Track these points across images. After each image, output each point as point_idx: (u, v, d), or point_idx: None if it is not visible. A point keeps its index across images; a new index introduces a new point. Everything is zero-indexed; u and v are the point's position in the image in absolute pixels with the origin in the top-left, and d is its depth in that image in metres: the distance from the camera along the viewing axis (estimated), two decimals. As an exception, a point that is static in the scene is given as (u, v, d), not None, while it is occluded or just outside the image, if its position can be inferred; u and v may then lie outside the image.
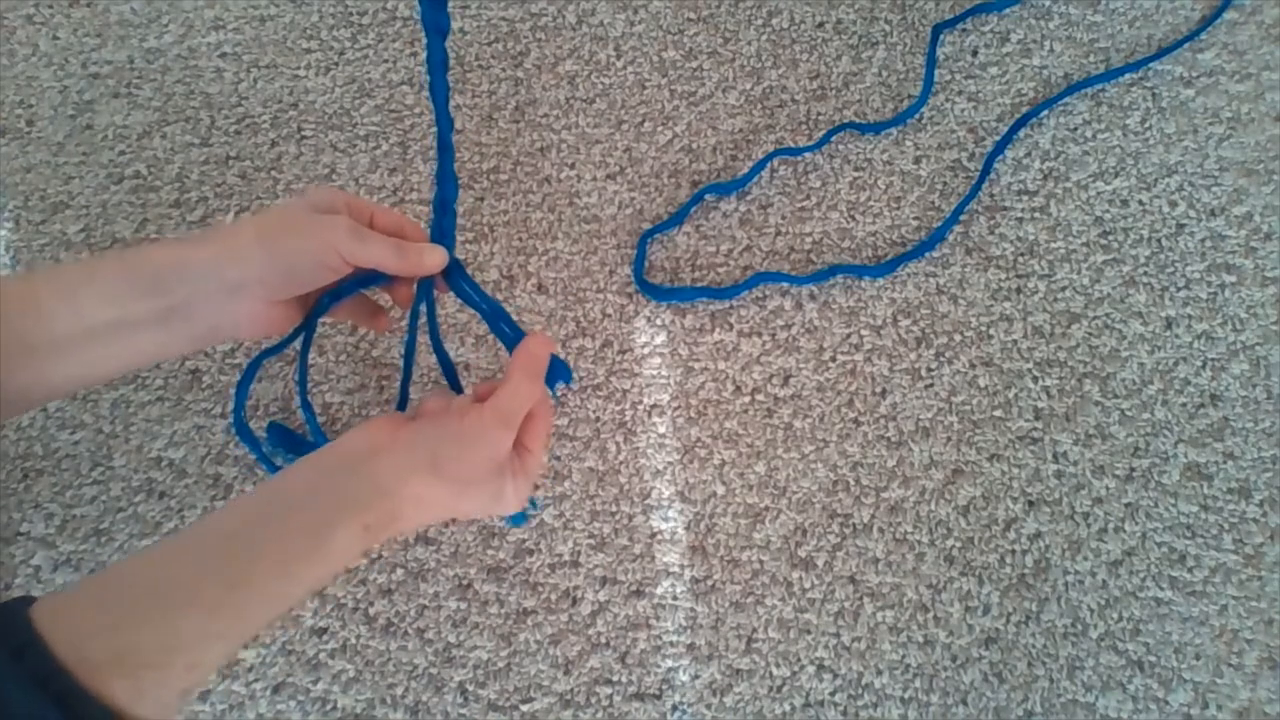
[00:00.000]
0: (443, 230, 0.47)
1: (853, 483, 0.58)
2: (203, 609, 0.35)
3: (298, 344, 0.50)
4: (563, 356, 0.61)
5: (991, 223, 0.65)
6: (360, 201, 0.47)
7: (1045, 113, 0.69)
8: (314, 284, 0.46)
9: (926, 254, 0.64)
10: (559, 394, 0.59)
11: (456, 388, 0.50)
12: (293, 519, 0.39)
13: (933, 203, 0.66)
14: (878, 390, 0.60)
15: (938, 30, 0.71)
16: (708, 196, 0.66)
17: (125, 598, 0.34)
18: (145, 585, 0.35)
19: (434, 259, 0.47)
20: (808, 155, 0.67)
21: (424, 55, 0.46)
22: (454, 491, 0.42)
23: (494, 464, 0.43)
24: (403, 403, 0.51)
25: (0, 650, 0.30)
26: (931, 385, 0.60)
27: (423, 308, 0.49)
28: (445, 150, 0.46)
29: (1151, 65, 0.70)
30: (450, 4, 0.73)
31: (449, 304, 0.62)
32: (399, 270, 0.46)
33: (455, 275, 0.49)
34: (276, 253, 0.43)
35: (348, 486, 0.40)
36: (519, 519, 0.56)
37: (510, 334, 0.51)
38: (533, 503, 0.57)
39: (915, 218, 0.66)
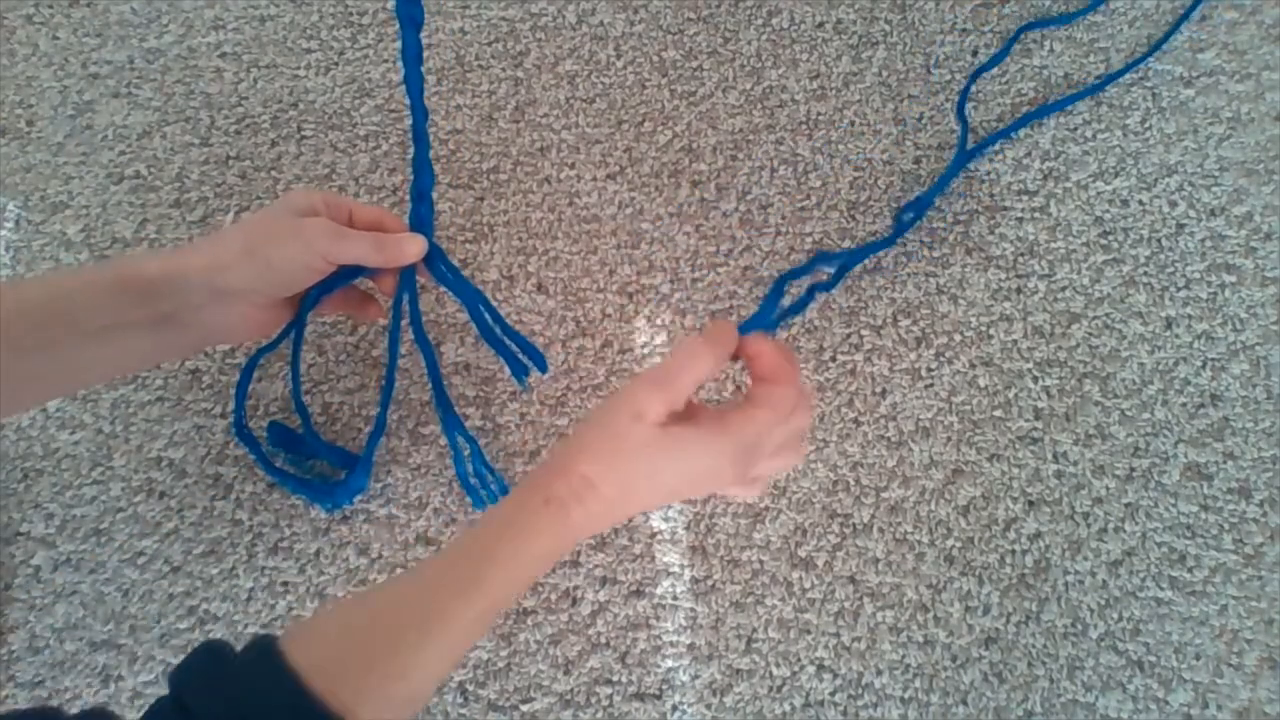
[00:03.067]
0: (421, 219, 0.49)
1: (853, 483, 0.58)
2: (442, 622, 0.37)
3: (291, 340, 0.51)
4: (563, 355, 0.61)
5: (991, 223, 0.65)
6: (338, 199, 0.49)
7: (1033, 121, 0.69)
8: (300, 285, 0.47)
9: (921, 247, 0.64)
10: (530, 383, 0.60)
11: (435, 374, 0.51)
12: (498, 514, 0.40)
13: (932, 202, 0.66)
14: (878, 390, 0.60)
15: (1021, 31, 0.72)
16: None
17: (370, 629, 0.37)
18: (387, 615, 0.38)
19: (413, 248, 0.48)
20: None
21: (425, 56, 0.47)
22: (624, 465, 0.39)
23: (634, 419, 0.38)
24: (388, 393, 0.52)
25: (262, 678, 0.34)
26: (931, 385, 0.60)
27: (406, 297, 0.50)
28: (420, 141, 0.47)
29: (1150, 65, 0.70)
30: (449, 3, 0.73)
31: (449, 304, 0.62)
32: (380, 263, 0.48)
33: (435, 261, 0.50)
34: (262, 260, 0.45)
35: (536, 473, 0.40)
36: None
37: (490, 321, 0.52)
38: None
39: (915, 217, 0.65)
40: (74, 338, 0.42)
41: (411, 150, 0.48)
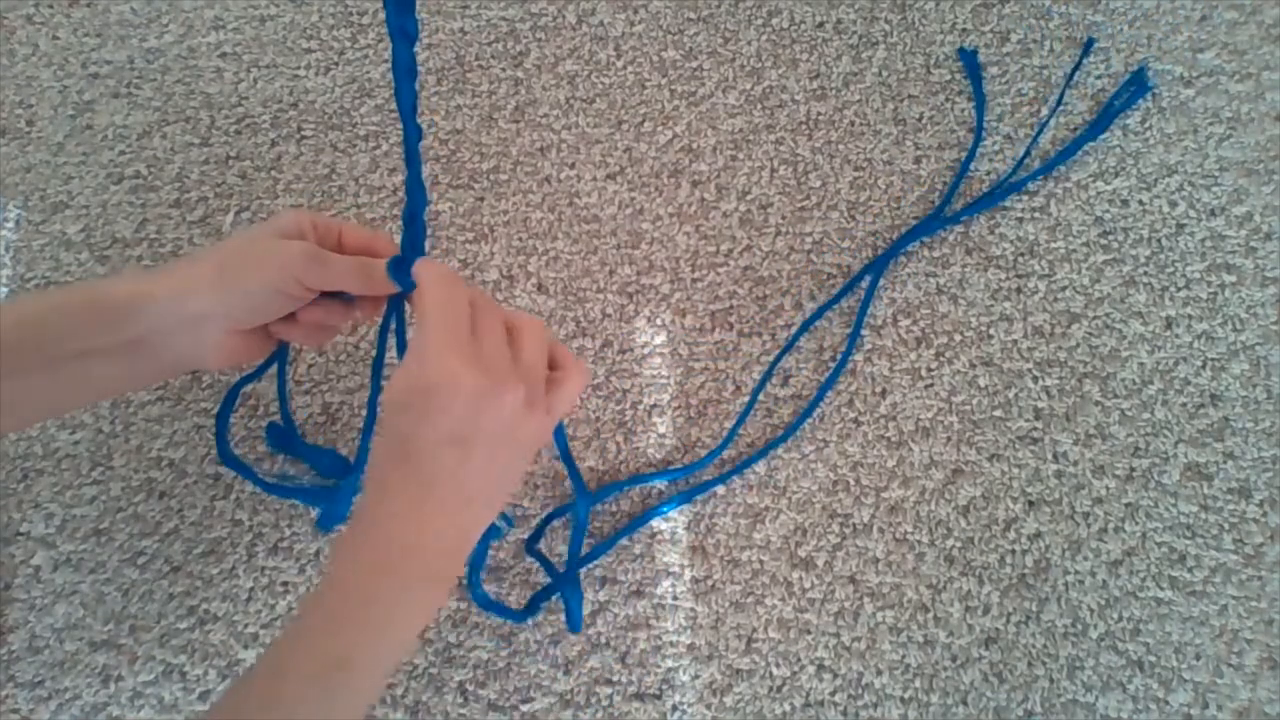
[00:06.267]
0: (413, 243, 0.46)
1: (853, 483, 0.58)
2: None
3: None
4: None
5: (991, 223, 0.65)
6: (329, 221, 0.46)
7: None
8: (277, 313, 0.45)
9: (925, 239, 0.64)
10: None
11: None
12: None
13: (932, 202, 0.66)
14: (878, 390, 0.60)
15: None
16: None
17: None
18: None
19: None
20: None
21: (423, 58, 0.44)
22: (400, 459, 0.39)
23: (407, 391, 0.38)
24: (370, 420, 0.51)
25: None
26: (931, 385, 0.60)
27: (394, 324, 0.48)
28: (413, 161, 0.43)
29: (1151, 65, 0.70)
30: (449, 3, 0.73)
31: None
32: (364, 290, 0.45)
33: None
34: (236, 285, 0.43)
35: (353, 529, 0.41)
36: (493, 533, 0.55)
37: None
38: (506, 519, 0.56)
39: (915, 218, 0.66)
40: (48, 364, 0.41)
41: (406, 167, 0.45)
